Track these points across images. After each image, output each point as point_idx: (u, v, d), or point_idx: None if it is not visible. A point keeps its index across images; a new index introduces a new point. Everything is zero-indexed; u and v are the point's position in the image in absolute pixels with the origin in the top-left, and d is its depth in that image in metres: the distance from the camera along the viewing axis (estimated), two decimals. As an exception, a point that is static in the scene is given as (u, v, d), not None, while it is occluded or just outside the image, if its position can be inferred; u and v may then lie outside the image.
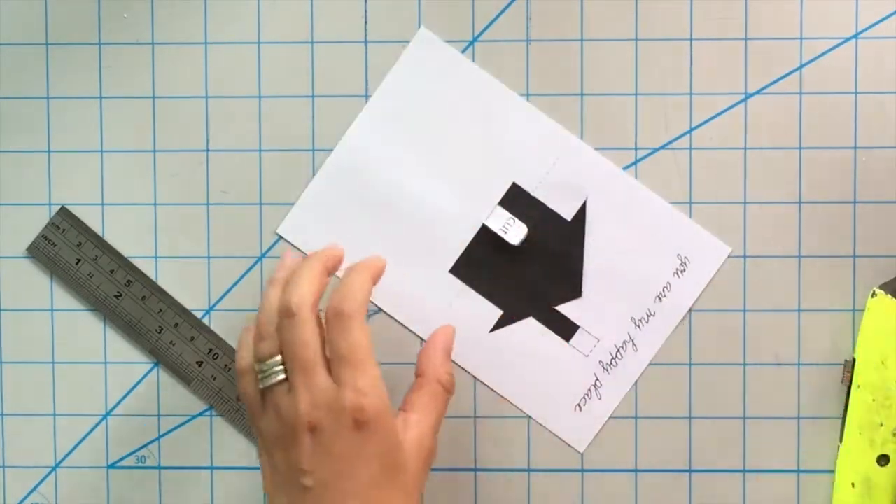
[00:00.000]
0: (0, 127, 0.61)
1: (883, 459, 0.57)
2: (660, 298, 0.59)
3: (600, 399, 0.59)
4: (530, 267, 0.59)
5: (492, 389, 0.59)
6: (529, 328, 0.59)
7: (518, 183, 0.59)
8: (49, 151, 0.61)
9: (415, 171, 0.59)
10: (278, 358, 0.52)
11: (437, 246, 0.59)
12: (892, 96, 0.59)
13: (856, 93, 0.59)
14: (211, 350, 0.60)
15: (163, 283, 0.61)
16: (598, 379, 0.59)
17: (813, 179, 0.59)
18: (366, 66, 0.60)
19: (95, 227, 0.61)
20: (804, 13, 0.59)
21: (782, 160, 0.59)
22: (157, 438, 0.61)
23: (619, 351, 0.59)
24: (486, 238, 0.59)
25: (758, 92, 0.59)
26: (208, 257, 0.60)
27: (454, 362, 0.59)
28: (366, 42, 0.60)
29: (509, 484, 0.60)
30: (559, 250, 0.59)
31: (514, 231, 0.58)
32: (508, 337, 0.59)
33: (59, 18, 0.60)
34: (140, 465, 0.61)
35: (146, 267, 0.61)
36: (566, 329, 0.59)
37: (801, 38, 0.59)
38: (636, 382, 0.59)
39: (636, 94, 0.59)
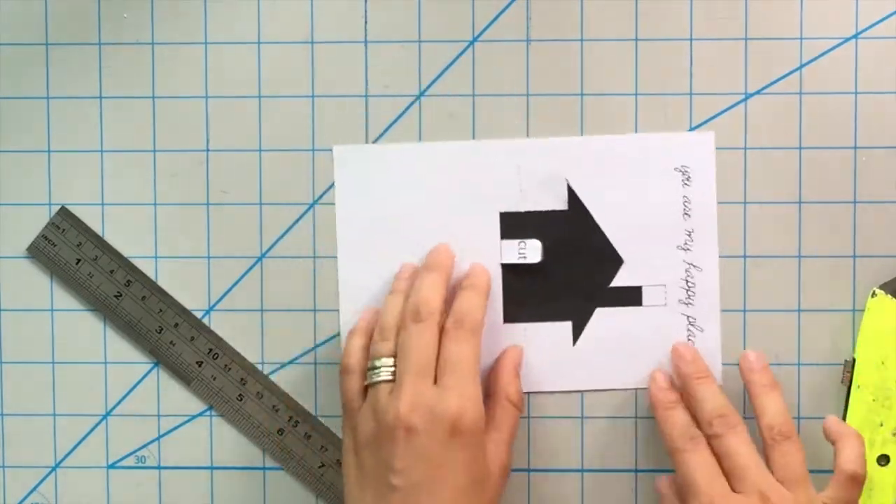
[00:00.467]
0: (0, 127, 0.61)
1: (883, 459, 0.57)
2: (687, 214, 0.59)
3: (702, 330, 0.59)
4: (564, 268, 0.59)
5: (604, 391, 0.59)
6: (604, 318, 0.59)
7: (504, 210, 0.59)
8: (49, 151, 0.61)
9: (415, 256, 0.59)
10: (392, 360, 0.54)
11: None
12: (892, 96, 0.59)
13: (856, 93, 0.59)
14: (211, 350, 0.60)
15: (163, 283, 0.61)
16: (688, 316, 0.59)
17: (813, 179, 0.59)
18: (366, 66, 0.60)
19: (95, 227, 0.61)
20: (804, 13, 0.59)
21: (782, 160, 0.59)
22: (157, 438, 0.61)
23: (687, 281, 0.59)
24: (511, 272, 0.59)
25: (758, 92, 0.59)
26: (208, 257, 0.60)
27: (556, 391, 0.60)
28: (366, 42, 0.60)
29: (509, 484, 0.60)
30: (577, 238, 0.59)
31: (530, 250, 0.59)
32: (592, 337, 0.59)
33: (59, 18, 0.60)
34: (140, 465, 0.61)
35: (146, 267, 0.61)
36: (632, 296, 0.59)
37: (801, 38, 0.59)
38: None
39: (636, 94, 0.59)
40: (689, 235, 0.59)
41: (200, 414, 0.61)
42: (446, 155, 0.59)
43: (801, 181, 0.59)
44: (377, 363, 0.55)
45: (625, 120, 0.59)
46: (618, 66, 0.59)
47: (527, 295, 0.59)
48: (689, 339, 0.59)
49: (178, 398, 0.61)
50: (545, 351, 0.59)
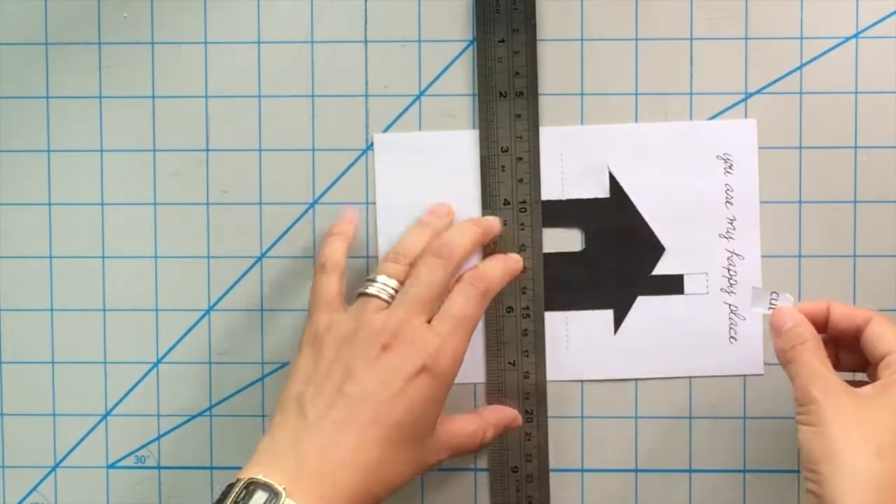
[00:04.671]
0: (0, 127, 0.61)
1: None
2: (730, 202, 0.59)
3: (744, 319, 0.59)
4: (606, 256, 0.59)
5: (648, 379, 0.59)
6: (645, 307, 0.59)
7: (546, 198, 0.59)
8: (49, 151, 0.61)
9: None
10: (395, 284, 0.54)
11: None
12: (892, 96, 0.59)
13: (856, 93, 0.59)
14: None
15: (163, 283, 0.61)
16: (729, 304, 0.59)
17: (813, 179, 0.59)
18: (366, 66, 0.60)
19: (95, 226, 0.61)
20: (804, 13, 0.59)
21: (782, 160, 0.59)
22: (157, 438, 0.61)
23: (728, 269, 0.59)
24: (553, 261, 0.59)
25: (758, 92, 0.59)
26: (208, 257, 0.60)
27: (597, 380, 0.60)
28: (366, 42, 0.60)
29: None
30: (619, 226, 0.59)
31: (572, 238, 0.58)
32: (633, 326, 0.59)
33: (59, 18, 0.60)
34: (140, 465, 0.61)
35: (146, 267, 0.61)
36: (674, 284, 0.59)
37: (801, 38, 0.59)
38: (641, 383, 0.59)
39: (636, 94, 0.59)
40: (731, 223, 0.59)
41: (200, 414, 0.61)
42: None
43: (801, 181, 0.59)
44: (380, 279, 0.55)
45: (625, 120, 0.59)
46: (618, 65, 0.59)
47: (568, 283, 0.59)
48: (730, 328, 0.59)
49: (178, 398, 0.61)
50: (586, 339, 0.59)
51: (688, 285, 0.59)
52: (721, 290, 0.59)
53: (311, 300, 0.56)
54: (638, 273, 0.59)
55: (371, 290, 0.54)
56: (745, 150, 0.59)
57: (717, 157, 0.59)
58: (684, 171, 0.59)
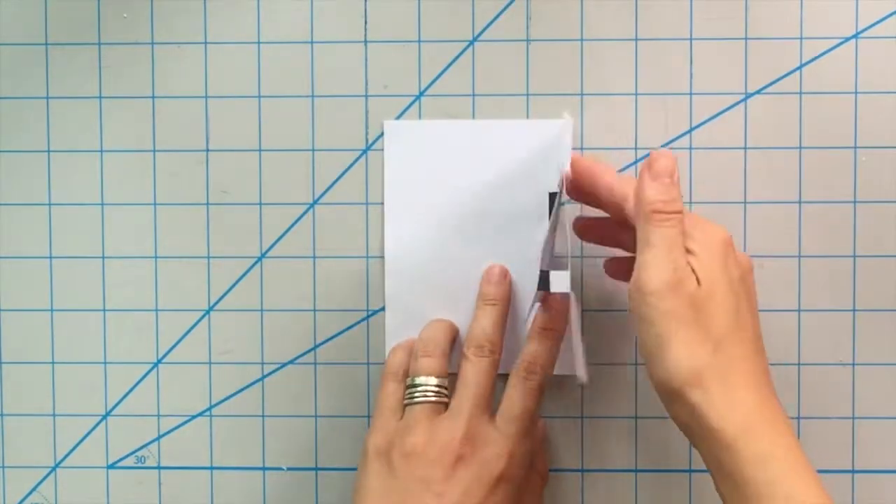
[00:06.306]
0: (0, 127, 0.61)
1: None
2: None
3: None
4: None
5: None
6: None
7: (553, 190, 0.58)
8: (49, 151, 0.61)
9: (465, 243, 0.59)
10: (435, 380, 0.56)
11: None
12: (892, 96, 0.59)
13: (856, 93, 0.59)
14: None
15: (163, 283, 0.61)
16: None
17: (813, 179, 0.59)
18: (366, 66, 0.60)
19: (95, 226, 0.61)
20: (804, 13, 0.59)
21: (782, 160, 0.59)
22: (157, 438, 0.61)
23: None
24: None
25: (758, 92, 0.59)
26: (208, 257, 0.60)
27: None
28: (366, 42, 0.60)
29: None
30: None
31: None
32: None
33: (59, 18, 0.60)
34: (140, 465, 0.61)
35: (146, 267, 0.61)
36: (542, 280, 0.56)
37: (801, 38, 0.59)
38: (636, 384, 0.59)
39: (636, 94, 0.59)
40: None
41: (200, 414, 0.61)
42: (497, 132, 0.59)
43: (801, 181, 0.59)
44: (419, 381, 0.56)
45: (625, 120, 0.59)
46: (618, 66, 0.59)
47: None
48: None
49: (178, 398, 0.61)
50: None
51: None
52: None
53: (376, 407, 0.56)
54: None
55: (418, 397, 0.55)
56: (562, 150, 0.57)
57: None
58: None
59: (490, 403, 0.55)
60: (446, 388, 0.56)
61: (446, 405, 0.55)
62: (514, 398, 0.55)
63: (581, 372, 0.53)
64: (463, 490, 0.52)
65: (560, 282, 0.54)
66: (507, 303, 0.58)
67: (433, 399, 0.55)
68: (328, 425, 0.61)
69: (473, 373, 0.55)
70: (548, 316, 0.56)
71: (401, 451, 0.53)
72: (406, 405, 0.55)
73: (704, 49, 0.59)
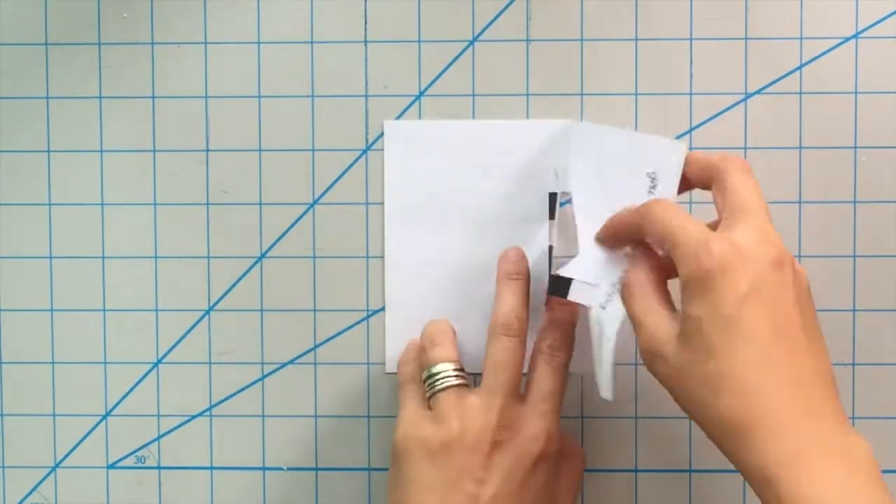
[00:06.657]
0: (0, 127, 0.61)
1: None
2: None
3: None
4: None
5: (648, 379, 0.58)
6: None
7: (553, 190, 0.58)
8: (49, 151, 0.61)
9: (465, 243, 0.59)
10: (451, 365, 0.55)
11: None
12: (892, 96, 0.59)
13: (856, 93, 0.59)
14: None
15: (163, 283, 0.61)
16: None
17: (813, 179, 0.59)
18: (366, 66, 0.60)
19: (95, 226, 0.61)
20: (804, 13, 0.59)
21: (782, 160, 0.59)
22: (157, 438, 0.61)
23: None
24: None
25: (758, 92, 0.59)
26: (208, 257, 0.60)
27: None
28: (366, 42, 0.60)
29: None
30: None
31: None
32: None
33: (59, 18, 0.60)
34: (140, 465, 0.61)
35: (146, 267, 0.61)
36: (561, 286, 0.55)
37: (801, 38, 0.59)
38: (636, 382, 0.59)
39: (636, 94, 0.59)
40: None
41: (200, 414, 0.61)
42: (498, 133, 0.59)
43: (801, 181, 0.59)
44: (439, 369, 0.55)
45: (625, 120, 0.59)
46: (618, 66, 0.59)
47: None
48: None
49: (178, 398, 0.61)
50: (588, 331, 0.59)
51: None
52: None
53: (400, 407, 0.56)
54: None
55: (440, 383, 0.54)
56: (669, 170, 0.54)
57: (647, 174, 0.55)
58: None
59: (520, 384, 0.54)
60: (463, 370, 0.55)
61: (468, 386, 0.55)
62: (542, 376, 0.54)
63: (607, 393, 0.53)
64: (504, 475, 0.52)
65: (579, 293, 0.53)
66: (529, 279, 0.56)
67: (455, 382, 0.54)
68: (328, 425, 0.61)
69: (503, 352, 0.54)
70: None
71: (436, 441, 0.53)
72: (430, 397, 0.54)
73: (704, 49, 0.59)
